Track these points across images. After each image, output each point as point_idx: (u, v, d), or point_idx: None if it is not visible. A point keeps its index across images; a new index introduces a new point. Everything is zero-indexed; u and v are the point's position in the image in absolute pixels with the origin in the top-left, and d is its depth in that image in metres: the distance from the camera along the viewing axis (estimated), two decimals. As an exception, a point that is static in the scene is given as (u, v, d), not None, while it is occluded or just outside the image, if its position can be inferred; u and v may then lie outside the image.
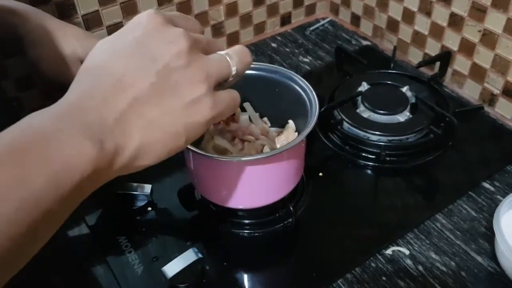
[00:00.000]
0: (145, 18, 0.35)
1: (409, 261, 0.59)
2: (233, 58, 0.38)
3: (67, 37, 0.58)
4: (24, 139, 0.28)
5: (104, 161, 0.31)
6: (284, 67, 0.63)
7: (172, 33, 0.35)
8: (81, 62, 0.59)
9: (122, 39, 0.35)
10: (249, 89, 0.43)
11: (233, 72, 0.38)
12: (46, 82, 0.60)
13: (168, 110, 0.34)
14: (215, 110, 0.36)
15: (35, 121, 0.30)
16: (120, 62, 0.33)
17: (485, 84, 0.80)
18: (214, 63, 0.37)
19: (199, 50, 0.36)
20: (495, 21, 0.74)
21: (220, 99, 0.37)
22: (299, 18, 1.05)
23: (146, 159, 0.34)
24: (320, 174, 0.71)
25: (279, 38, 1.01)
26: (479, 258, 0.59)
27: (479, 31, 0.77)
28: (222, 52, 0.39)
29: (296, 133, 0.63)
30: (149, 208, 0.66)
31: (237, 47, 0.40)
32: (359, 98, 0.78)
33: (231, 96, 0.38)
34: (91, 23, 0.78)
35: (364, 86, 0.80)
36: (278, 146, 0.62)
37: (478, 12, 0.76)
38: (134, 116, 0.32)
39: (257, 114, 0.66)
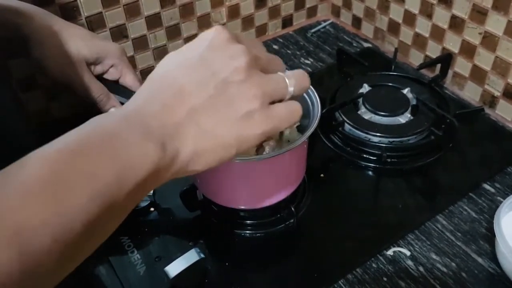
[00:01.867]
0: (212, 34, 0.37)
1: (410, 262, 0.60)
2: (291, 79, 0.40)
3: (72, 38, 0.59)
4: (95, 137, 0.31)
5: (163, 163, 0.33)
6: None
7: (234, 49, 0.37)
8: (86, 61, 0.60)
9: (189, 53, 0.37)
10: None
11: (289, 94, 0.40)
12: (51, 82, 0.60)
13: (222, 121, 0.36)
14: (268, 125, 0.37)
15: (104, 122, 0.33)
16: (183, 73, 0.36)
17: (486, 86, 0.81)
18: (271, 82, 0.38)
19: (259, 69, 0.38)
20: (495, 23, 0.75)
21: (275, 113, 0.38)
22: (300, 20, 1.05)
23: (197, 165, 0.36)
24: (322, 175, 0.71)
25: (280, 40, 1.01)
26: (479, 259, 0.60)
27: (480, 33, 0.78)
28: (281, 74, 0.40)
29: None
30: (152, 209, 0.66)
31: (297, 71, 0.41)
32: (360, 100, 0.79)
33: (289, 109, 0.39)
34: (95, 24, 0.78)
35: (365, 88, 0.81)
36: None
37: (479, 14, 0.76)
38: (190, 124, 0.35)
39: None
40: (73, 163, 0.29)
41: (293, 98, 0.40)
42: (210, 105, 0.35)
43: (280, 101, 0.39)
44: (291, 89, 0.39)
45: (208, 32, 0.38)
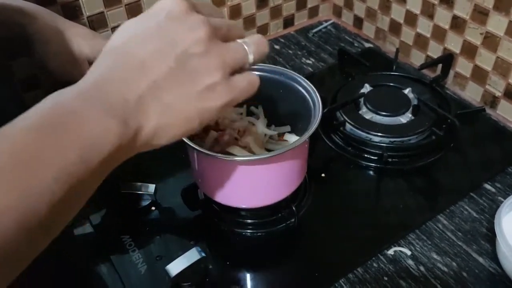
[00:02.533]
0: (169, 3, 0.36)
1: (410, 262, 0.60)
2: (250, 47, 0.39)
3: (74, 37, 0.59)
4: (56, 116, 0.30)
5: (127, 139, 0.33)
6: (287, 69, 0.64)
7: (193, 20, 0.36)
8: (88, 61, 0.60)
9: (145, 23, 0.36)
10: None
11: (250, 61, 0.40)
12: (53, 81, 0.61)
13: (183, 95, 0.35)
14: (229, 96, 0.37)
15: (63, 100, 0.32)
16: (141, 45, 0.35)
17: (487, 86, 0.81)
18: (231, 51, 0.38)
19: (219, 38, 0.37)
20: (497, 24, 0.75)
21: (236, 84, 0.38)
22: (302, 20, 1.05)
23: (161, 139, 0.36)
24: (323, 174, 0.71)
25: (282, 40, 1.01)
26: (480, 259, 0.60)
27: (481, 33, 0.78)
28: (240, 41, 0.40)
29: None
30: (153, 208, 0.66)
31: (255, 36, 0.41)
32: (362, 100, 0.79)
33: (248, 80, 0.39)
34: (96, 24, 0.78)
35: (366, 88, 0.81)
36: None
37: (480, 15, 0.76)
38: (152, 99, 0.34)
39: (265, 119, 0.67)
40: (36, 144, 0.29)
41: (253, 64, 0.40)
42: (171, 78, 0.35)
43: (240, 70, 0.39)
44: (251, 56, 0.39)
45: (166, 1, 0.37)
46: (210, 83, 0.36)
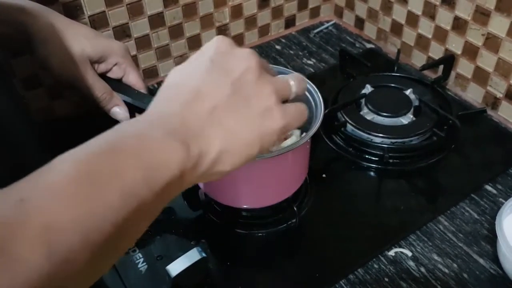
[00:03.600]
0: (215, 41, 0.39)
1: (411, 263, 0.60)
2: (292, 80, 0.41)
3: (76, 36, 0.59)
4: (121, 140, 0.32)
5: (190, 163, 0.33)
6: (288, 69, 0.64)
7: (242, 52, 0.38)
8: (89, 60, 0.60)
9: (197, 61, 0.38)
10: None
11: (293, 93, 0.41)
12: (55, 80, 0.61)
13: (243, 119, 0.36)
14: (286, 119, 0.38)
15: (128, 126, 0.34)
16: (197, 78, 0.37)
17: (488, 88, 0.81)
18: (278, 80, 0.40)
19: (265, 70, 0.39)
20: (498, 25, 0.75)
21: (289, 109, 0.39)
22: (303, 21, 1.05)
23: (224, 165, 0.36)
24: (324, 175, 0.71)
25: (283, 40, 1.01)
26: (481, 260, 0.60)
27: (483, 34, 0.78)
28: (282, 76, 0.42)
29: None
30: (154, 208, 0.66)
31: (294, 73, 0.43)
32: (363, 101, 0.79)
33: (298, 108, 0.41)
34: (98, 23, 0.78)
35: (367, 89, 0.81)
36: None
37: (482, 16, 0.76)
38: (214, 124, 0.35)
39: None
40: (102, 164, 0.30)
41: (295, 100, 0.42)
42: (229, 104, 0.36)
43: (287, 101, 0.41)
44: (294, 88, 0.41)
45: (211, 42, 0.39)
46: (266, 107, 0.37)
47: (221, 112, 0.36)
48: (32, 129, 0.49)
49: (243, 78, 0.37)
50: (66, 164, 0.29)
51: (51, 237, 0.26)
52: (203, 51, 0.39)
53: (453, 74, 0.86)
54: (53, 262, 0.25)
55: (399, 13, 0.91)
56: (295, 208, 0.62)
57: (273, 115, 0.37)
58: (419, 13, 0.87)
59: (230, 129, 0.36)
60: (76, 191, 0.28)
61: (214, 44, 0.39)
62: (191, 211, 0.66)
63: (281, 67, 0.63)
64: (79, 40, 0.59)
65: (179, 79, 0.38)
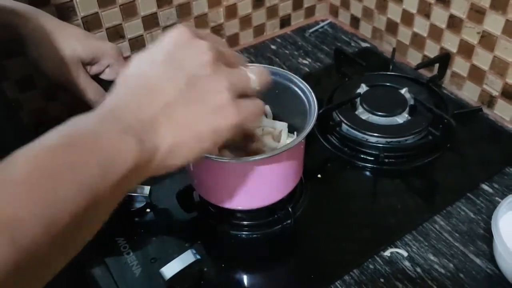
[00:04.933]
0: (174, 33, 0.39)
1: (407, 263, 0.59)
2: (253, 73, 0.42)
3: (67, 38, 0.59)
4: (78, 134, 0.33)
5: (144, 157, 0.34)
6: (283, 69, 0.63)
7: (199, 45, 0.39)
8: (81, 62, 0.59)
9: (155, 53, 0.39)
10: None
11: (253, 85, 0.42)
12: (48, 81, 0.60)
13: (196, 114, 0.37)
14: (239, 116, 0.39)
15: (82, 121, 0.34)
16: (153, 72, 0.38)
17: (484, 86, 0.80)
18: (236, 75, 0.40)
19: (223, 63, 0.40)
20: (494, 23, 0.74)
21: (244, 106, 0.40)
22: (298, 20, 1.05)
23: (176, 159, 0.37)
24: (319, 175, 0.71)
25: (278, 40, 1.01)
26: (477, 260, 0.59)
27: (478, 33, 0.77)
28: (244, 68, 0.42)
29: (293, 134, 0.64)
30: (148, 210, 0.66)
31: (257, 66, 0.44)
32: (358, 100, 0.79)
33: (254, 103, 0.42)
34: (91, 25, 0.78)
35: (363, 88, 0.80)
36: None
37: (477, 14, 0.76)
38: (166, 119, 0.36)
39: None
40: (58, 159, 0.30)
41: (256, 94, 0.43)
42: (182, 99, 0.37)
43: (244, 96, 0.41)
44: (254, 83, 0.42)
45: (171, 32, 0.39)
46: (220, 103, 0.38)
47: (174, 107, 0.36)
48: (22, 134, 0.49)
49: (198, 73, 0.38)
50: (23, 159, 0.30)
51: (14, 229, 0.27)
52: (162, 42, 0.39)
53: (448, 72, 0.85)
54: (18, 251, 0.27)
55: (394, 12, 0.91)
56: (290, 209, 0.62)
57: (226, 111, 0.38)
58: (414, 11, 0.87)
59: (182, 124, 0.37)
60: (34, 186, 0.29)
61: (172, 35, 0.39)
62: (185, 213, 0.65)
63: (273, 67, 0.63)
64: (71, 42, 0.59)
65: (136, 72, 0.38)
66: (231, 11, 0.93)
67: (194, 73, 0.38)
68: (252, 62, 0.94)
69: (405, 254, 0.60)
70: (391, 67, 0.87)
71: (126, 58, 0.66)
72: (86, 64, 0.61)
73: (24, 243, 0.27)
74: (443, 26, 0.83)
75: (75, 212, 0.30)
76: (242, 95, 0.40)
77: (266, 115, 0.66)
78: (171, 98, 0.37)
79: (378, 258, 0.60)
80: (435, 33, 0.85)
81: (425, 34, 0.87)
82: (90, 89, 0.60)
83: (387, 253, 0.61)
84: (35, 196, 0.28)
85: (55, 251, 0.30)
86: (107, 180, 0.32)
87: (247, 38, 0.99)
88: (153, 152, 0.35)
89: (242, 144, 0.55)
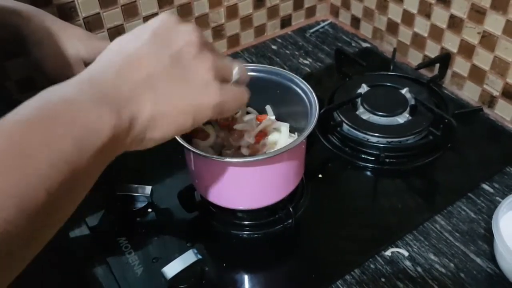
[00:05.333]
0: (161, 16, 0.40)
1: (408, 263, 0.60)
2: (236, 66, 0.43)
3: (70, 38, 0.59)
4: (51, 107, 0.31)
5: (121, 128, 0.34)
6: (284, 69, 0.64)
7: (186, 26, 0.39)
8: (84, 63, 0.60)
9: (141, 32, 0.38)
10: (250, 90, 0.44)
11: (234, 76, 0.42)
12: (49, 82, 0.60)
13: (179, 89, 0.37)
14: (222, 97, 0.39)
15: (58, 91, 0.33)
16: (138, 47, 0.37)
17: (485, 86, 0.81)
18: (220, 59, 0.41)
19: (208, 49, 0.40)
20: (494, 23, 0.75)
21: (227, 88, 0.40)
22: (299, 21, 1.05)
23: (155, 132, 0.37)
24: (320, 175, 0.71)
25: (279, 40, 1.01)
26: (478, 260, 0.60)
27: (479, 33, 0.78)
28: (227, 57, 0.43)
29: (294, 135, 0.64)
30: (149, 210, 0.66)
31: (239, 62, 0.44)
32: (359, 100, 0.79)
33: (239, 90, 0.42)
34: (92, 25, 0.78)
35: (363, 88, 0.80)
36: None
37: (478, 14, 0.76)
38: (147, 89, 0.35)
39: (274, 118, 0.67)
40: (31, 133, 0.30)
41: (237, 80, 0.43)
42: (166, 73, 0.36)
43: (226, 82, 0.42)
44: (235, 72, 0.42)
45: (157, 17, 0.40)
46: (203, 81, 0.38)
47: (156, 80, 0.36)
48: None
49: (183, 51, 0.38)
50: None
51: None
52: (148, 24, 0.39)
53: (449, 72, 0.85)
54: None
55: (394, 12, 0.91)
56: (291, 209, 0.62)
57: (209, 90, 0.38)
58: (415, 11, 0.87)
59: (164, 95, 0.36)
60: (6, 162, 0.28)
61: (159, 18, 0.39)
62: (187, 213, 0.65)
63: (274, 67, 0.63)
64: (73, 42, 0.59)
65: (118, 47, 0.38)
66: (232, 12, 0.93)
67: (179, 50, 0.37)
68: (253, 62, 0.94)
69: (406, 253, 0.61)
70: (391, 67, 0.87)
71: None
72: (88, 64, 0.61)
73: None
74: (444, 26, 0.83)
75: (50, 187, 0.29)
76: (224, 81, 0.41)
77: (268, 114, 0.66)
78: (154, 70, 0.36)
79: (379, 258, 0.60)
80: (436, 33, 0.85)
81: (425, 34, 0.87)
82: (91, 89, 0.60)
83: (388, 252, 0.61)
84: (7, 173, 0.28)
85: (32, 229, 0.29)
86: (83, 153, 0.31)
87: (248, 39, 0.99)
88: (131, 122, 0.34)
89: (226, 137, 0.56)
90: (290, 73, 0.61)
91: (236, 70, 0.42)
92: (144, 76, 0.36)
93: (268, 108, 0.66)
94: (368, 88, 0.80)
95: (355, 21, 1.01)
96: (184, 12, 0.87)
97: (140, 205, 0.66)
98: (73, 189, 0.32)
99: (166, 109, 0.36)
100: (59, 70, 0.59)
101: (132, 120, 0.34)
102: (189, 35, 0.38)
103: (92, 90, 0.33)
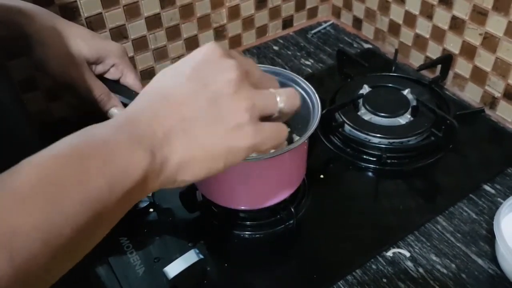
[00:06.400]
0: (205, 48, 0.39)
1: (409, 263, 0.60)
2: (281, 97, 0.40)
3: (73, 37, 0.59)
4: (86, 144, 0.32)
5: (153, 170, 0.34)
6: (286, 69, 0.64)
7: (226, 63, 0.38)
8: (87, 61, 0.60)
9: (182, 67, 0.38)
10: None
11: (278, 109, 0.40)
12: (52, 81, 0.61)
13: (212, 132, 0.36)
14: (256, 139, 0.38)
15: (97, 130, 0.33)
16: (176, 85, 0.37)
17: (486, 87, 0.81)
18: (260, 96, 0.39)
19: (250, 83, 0.38)
20: (496, 24, 0.75)
21: (263, 129, 0.38)
22: (301, 21, 1.05)
23: (186, 175, 0.36)
24: (321, 176, 0.71)
25: (281, 41, 1.01)
26: (479, 261, 0.60)
27: (480, 34, 0.78)
28: (272, 90, 0.41)
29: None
30: (151, 209, 0.66)
31: (288, 89, 0.42)
32: (361, 101, 0.79)
33: (276, 128, 0.40)
34: (94, 25, 0.78)
35: (365, 89, 0.80)
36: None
37: (479, 15, 0.76)
38: (180, 133, 0.35)
39: None
40: (65, 169, 0.30)
41: (283, 117, 0.41)
42: (201, 116, 0.36)
43: (269, 119, 0.40)
44: (281, 105, 0.40)
45: (202, 48, 0.39)
46: (238, 123, 0.37)
47: (191, 122, 0.36)
48: (34, 129, 0.49)
49: (220, 91, 0.37)
50: (30, 168, 0.29)
51: (12, 243, 0.26)
52: (191, 57, 0.39)
53: (451, 74, 0.85)
54: (15, 267, 0.26)
55: (396, 13, 0.91)
56: (292, 209, 0.62)
57: (243, 132, 0.37)
58: (417, 13, 0.87)
59: (196, 140, 0.36)
60: (38, 197, 0.28)
61: (203, 51, 0.38)
62: (188, 213, 0.65)
63: (276, 68, 0.63)
64: (77, 41, 0.59)
65: (159, 84, 0.38)
66: (233, 12, 0.93)
67: (217, 90, 0.37)
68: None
69: (408, 254, 0.61)
70: (393, 68, 0.87)
71: (129, 59, 0.66)
72: (91, 63, 0.61)
73: (22, 258, 0.26)
74: (446, 27, 0.83)
75: (77, 225, 0.29)
76: (266, 117, 0.39)
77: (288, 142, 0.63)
78: (190, 113, 0.36)
79: (380, 259, 0.60)
80: (438, 34, 0.85)
81: (427, 35, 0.87)
82: (95, 88, 0.61)
83: (389, 253, 0.61)
84: (37, 209, 0.28)
85: (54, 263, 0.29)
86: (113, 194, 0.31)
87: (249, 39, 1.00)
88: (163, 165, 0.34)
89: None
90: (292, 73, 0.61)
91: (280, 101, 0.40)
92: (180, 119, 0.35)
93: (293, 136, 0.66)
94: (370, 89, 0.80)
95: (357, 22, 1.01)
96: (186, 13, 0.87)
97: (142, 205, 0.66)
98: (98, 227, 0.32)
99: (197, 153, 0.36)
100: (62, 69, 0.59)
101: (163, 162, 0.34)
102: (229, 72, 0.37)
103: (128, 131, 0.34)
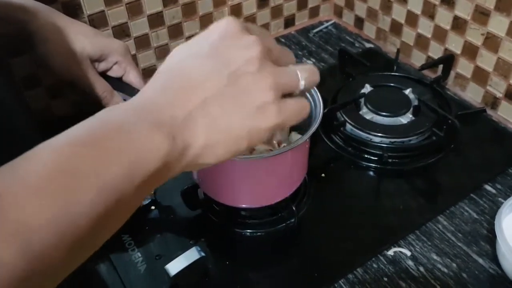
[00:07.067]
0: (223, 24, 0.36)
1: (410, 262, 0.60)
2: (302, 73, 0.39)
3: (76, 35, 0.59)
4: (104, 131, 0.30)
5: (173, 156, 0.32)
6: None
7: (246, 39, 0.36)
8: (90, 59, 0.60)
9: (199, 44, 0.36)
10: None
11: (301, 87, 0.39)
12: (55, 78, 0.61)
13: (235, 113, 0.34)
14: (280, 118, 0.36)
15: (113, 114, 0.32)
16: (194, 64, 0.35)
17: (488, 87, 0.81)
18: (284, 73, 0.37)
19: (271, 60, 0.37)
20: (498, 24, 0.75)
21: (287, 106, 0.37)
22: (303, 20, 1.05)
23: (209, 158, 0.35)
24: (323, 175, 0.71)
25: (282, 40, 1.01)
26: (480, 260, 0.60)
27: (482, 34, 0.78)
28: (292, 66, 0.39)
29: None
30: (153, 207, 0.66)
31: (307, 65, 0.40)
32: (362, 100, 0.79)
33: (299, 104, 0.38)
34: (97, 23, 0.78)
35: (367, 88, 0.81)
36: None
37: (482, 15, 0.76)
38: (202, 115, 0.33)
39: None
40: (81, 157, 0.29)
41: (302, 93, 0.40)
42: (222, 96, 0.34)
43: (290, 95, 0.38)
44: (302, 82, 0.38)
45: (219, 23, 0.36)
46: (262, 102, 0.35)
47: (212, 104, 0.34)
48: (36, 126, 0.49)
49: (242, 69, 0.34)
50: (45, 156, 0.28)
51: (26, 235, 0.25)
52: (210, 32, 0.36)
53: (452, 73, 0.86)
54: (28, 260, 0.25)
55: (398, 13, 0.91)
56: (293, 208, 0.62)
57: (267, 112, 0.35)
58: (419, 12, 0.87)
59: (219, 122, 0.34)
60: (53, 187, 0.27)
61: (220, 28, 0.36)
62: (190, 211, 0.65)
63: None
64: (80, 38, 0.59)
65: (175, 63, 0.36)
66: (235, 11, 0.93)
67: (238, 68, 0.34)
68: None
69: (409, 253, 0.61)
70: (395, 67, 0.87)
71: (132, 56, 0.66)
72: (94, 61, 0.61)
73: (35, 249, 0.25)
74: (448, 27, 0.83)
75: (93, 216, 0.28)
76: (287, 94, 0.38)
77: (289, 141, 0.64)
78: (210, 94, 0.34)
79: (381, 258, 0.60)
80: (439, 34, 0.85)
81: (429, 35, 0.87)
82: (98, 85, 0.61)
83: (390, 252, 0.61)
84: (52, 200, 0.27)
85: (69, 256, 0.28)
86: (132, 181, 0.30)
87: (251, 38, 0.99)
88: (184, 150, 0.33)
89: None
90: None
91: (301, 78, 0.38)
92: (200, 101, 0.33)
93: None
94: (372, 89, 0.80)
95: (359, 22, 1.02)
96: (188, 11, 0.87)
97: (143, 202, 0.66)
98: (115, 216, 0.30)
99: (219, 136, 0.34)
100: (64, 66, 0.59)
101: (184, 148, 0.33)
102: (250, 50, 0.35)
103: (146, 116, 0.32)
